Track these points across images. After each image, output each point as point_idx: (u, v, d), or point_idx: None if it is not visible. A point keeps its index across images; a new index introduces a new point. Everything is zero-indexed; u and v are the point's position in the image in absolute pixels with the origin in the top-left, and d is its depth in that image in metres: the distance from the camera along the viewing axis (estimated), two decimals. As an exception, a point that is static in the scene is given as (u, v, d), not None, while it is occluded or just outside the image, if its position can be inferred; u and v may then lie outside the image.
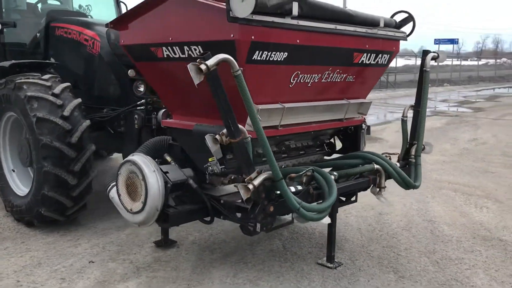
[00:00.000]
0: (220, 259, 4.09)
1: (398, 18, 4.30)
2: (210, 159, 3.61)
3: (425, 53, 4.19)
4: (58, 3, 7.16)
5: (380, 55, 4.08)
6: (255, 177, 2.91)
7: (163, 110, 4.06)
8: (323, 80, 3.72)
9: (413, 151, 4.17)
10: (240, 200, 3.53)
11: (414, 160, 4.14)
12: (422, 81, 4.16)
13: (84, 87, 5.30)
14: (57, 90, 4.56)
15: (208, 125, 3.47)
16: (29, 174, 5.12)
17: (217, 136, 2.86)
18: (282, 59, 3.27)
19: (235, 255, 4.17)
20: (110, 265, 3.95)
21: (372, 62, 4.05)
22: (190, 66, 2.61)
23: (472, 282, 3.74)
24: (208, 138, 2.90)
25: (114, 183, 3.75)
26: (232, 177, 3.59)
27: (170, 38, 3.37)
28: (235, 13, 2.84)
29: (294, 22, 3.24)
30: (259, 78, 3.22)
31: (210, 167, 3.57)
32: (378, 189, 3.96)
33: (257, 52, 3.08)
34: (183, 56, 3.37)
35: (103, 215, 5.14)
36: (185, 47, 3.30)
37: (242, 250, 4.30)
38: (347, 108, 4.03)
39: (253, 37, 3.00)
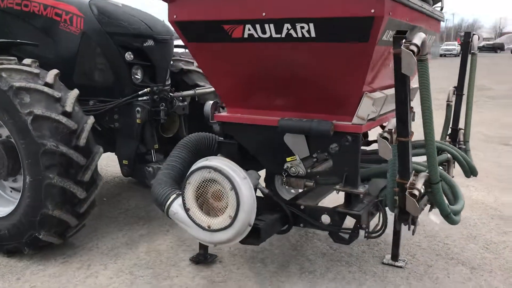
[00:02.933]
0: (280, 272, 3.55)
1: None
2: (289, 159, 3.08)
3: (467, 35, 4.05)
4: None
5: (431, 37, 3.84)
6: (415, 181, 2.47)
7: (212, 102, 3.36)
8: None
9: (461, 137, 4.03)
10: (330, 206, 3.11)
11: (464, 147, 4.00)
12: (465, 64, 4.02)
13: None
14: (49, 78, 3.54)
15: (301, 119, 2.91)
16: (-6, 189, 3.99)
17: (386, 134, 2.35)
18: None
19: (292, 265, 3.67)
20: (162, 296, 3.20)
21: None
22: (404, 52, 2.05)
23: (537, 265, 3.76)
24: (380, 137, 2.37)
25: (175, 195, 3.01)
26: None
27: (264, 14, 2.72)
28: (390, -17, 2.34)
29: (406, -3, 2.83)
30: (380, 62, 2.77)
31: (293, 168, 3.05)
32: (446, 180, 3.75)
33: (387, 31, 2.61)
34: (277, 36, 2.75)
35: (93, 231, 4.22)
36: (287, 25, 2.68)
37: (293, 257, 3.80)
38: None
39: (390, 13, 2.53)
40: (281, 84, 2.96)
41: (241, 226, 2.81)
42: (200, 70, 5.05)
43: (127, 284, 3.34)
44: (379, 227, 3.02)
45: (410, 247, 4.04)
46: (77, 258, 3.72)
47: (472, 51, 3.97)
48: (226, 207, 2.83)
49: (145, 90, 4.09)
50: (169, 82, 4.53)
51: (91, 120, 3.60)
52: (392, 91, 3.28)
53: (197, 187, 2.89)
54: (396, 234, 3.70)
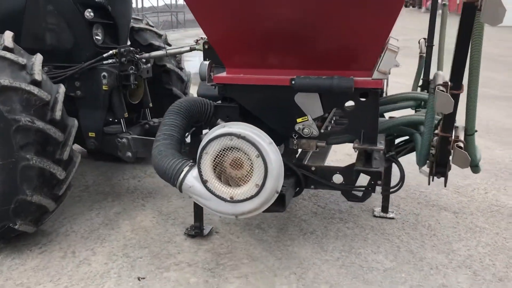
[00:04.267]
0: (282, 236, 3.46)
1: None
2: (300, 120, 2.94)
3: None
4: None
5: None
6: (455, 134, 2.44)
7: (207, 63, 3.06)
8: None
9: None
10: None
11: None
12: (435, 15, 4.07)
13: None
14: (7, 42, 2.99)
15: (319, 77, 2.74)
16: None
17: (442, 87, 2.26)
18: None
19: (290, 227, 3.59)
20: (174, 277, 2.95)
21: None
22: (489, 1, 1.92)
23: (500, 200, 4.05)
24: (439, 90, 2.26)
25: (188, 167, 2.73)
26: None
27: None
28: None
29: None
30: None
31: (306, 129, 2.92)
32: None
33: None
34: (297, -14, 2.53)
35: (60, 214, 3.77)
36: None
37: (287, 219, 3.71)
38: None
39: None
40: (295, 40, 2.75)
41: (269, 194, 2.63)
42: (152, 28, 4.64)
43: (127, 268, 3.04)
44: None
45: (390, 197, 4.14)
46: (55, 246, 3.30)
47: (443, 2, 4.02)
48: (250, 175, 2.63)
49: (111, 52, 3.64)
50: (129, 42, 4.08)
51: (62, 89, 3.14)
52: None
53: (215, 157, 2.65)
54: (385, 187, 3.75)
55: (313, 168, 3.04)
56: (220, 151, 2.64)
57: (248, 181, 2.65)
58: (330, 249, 3.28)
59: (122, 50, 3.64)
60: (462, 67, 2.23)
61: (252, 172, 2.63)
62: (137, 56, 3.81)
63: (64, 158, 3.05)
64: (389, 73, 2.75)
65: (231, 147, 2.62)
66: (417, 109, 3.60)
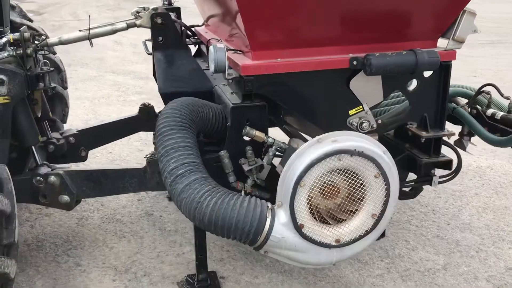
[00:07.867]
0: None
1: None
2: (353, 111, 2.27)
3: None
4: None
5: None
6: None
7: (223, 47, 2.01)
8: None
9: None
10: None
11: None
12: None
13: None
14: None
15: (399, 52, 2.07)
16: None
17: None
18: None
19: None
20: None
21: None
22: None
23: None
24: None
25: (271, 212, 1.79)
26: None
27: None
28: None
29: None
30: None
31: (365, 122, 2.27)
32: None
33: None
34: None
35: None
36: None
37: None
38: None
39: None
40: (355, 7, 1.99)
41: (385, 224, 1.92)
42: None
43: None
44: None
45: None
46: None
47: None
48: (360, 203, 1.86)
49: (6, 38, 2.17)
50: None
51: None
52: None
53: (313, 187, 1.78)
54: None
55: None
56: (321, 178, 1.78)
57: (356, 211, 1.87)
58: (368, 260, 2.72)
59: (27, 34, 2.20)
60: None
61: (364, 198, 1.86)
62: (38, 43, 2.39)
63: (15, 241, 1.69)
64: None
65: (338, 170, 1.79)
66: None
